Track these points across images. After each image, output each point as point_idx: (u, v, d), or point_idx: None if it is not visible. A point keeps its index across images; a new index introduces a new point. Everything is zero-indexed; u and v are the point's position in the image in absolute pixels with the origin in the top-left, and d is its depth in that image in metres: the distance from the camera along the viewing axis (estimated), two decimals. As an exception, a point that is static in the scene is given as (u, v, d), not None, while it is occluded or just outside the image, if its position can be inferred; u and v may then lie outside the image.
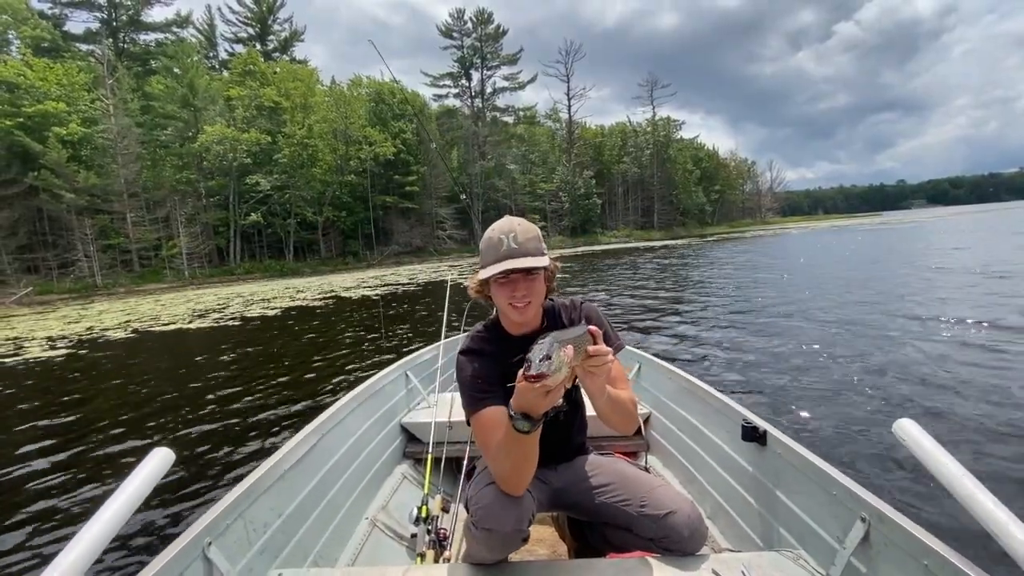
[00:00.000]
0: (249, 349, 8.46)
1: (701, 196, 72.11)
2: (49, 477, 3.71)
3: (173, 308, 16.28)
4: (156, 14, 39.81)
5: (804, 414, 3.86)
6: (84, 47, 35.92)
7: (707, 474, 2.02)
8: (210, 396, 5.57)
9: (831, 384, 4.49)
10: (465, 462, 2.09)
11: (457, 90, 56.45)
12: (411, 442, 2.60)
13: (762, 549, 1.55)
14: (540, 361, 0.98)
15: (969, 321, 6.33)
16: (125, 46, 37.61)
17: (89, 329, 12.46)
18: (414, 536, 1.75)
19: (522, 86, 57.91)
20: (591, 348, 1.09)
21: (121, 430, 4.64)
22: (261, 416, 4.73)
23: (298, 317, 12.18)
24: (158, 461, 1.09)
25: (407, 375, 2.85)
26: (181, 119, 31.19)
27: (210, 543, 1.22)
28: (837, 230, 47.28)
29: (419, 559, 1.65)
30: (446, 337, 3.08)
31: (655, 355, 2.78)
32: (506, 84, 57.41)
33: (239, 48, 46.00)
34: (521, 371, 1.00)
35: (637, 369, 2.78)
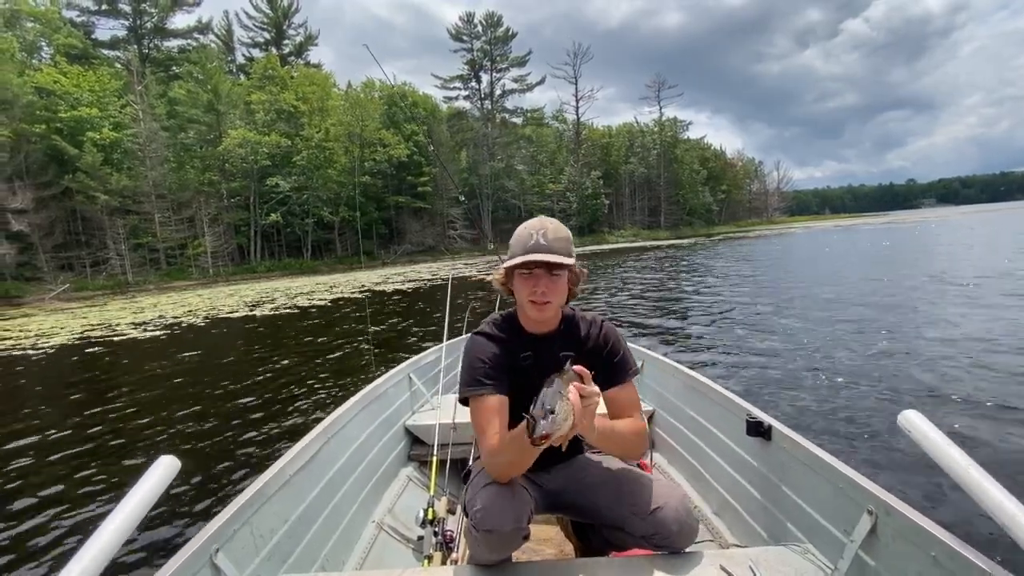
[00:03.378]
0: (332, 327, 9.83)
1: (708, 196, 72.78)
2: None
3: (221, 301, 17.53)
4: (179, 20, 41.04)
5: (809, 407, 3.98)
6: (110, 53, 37.43)
7: (712, 470, 2.02)
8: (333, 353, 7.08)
9: (833, 377, 4.65)
10: (471, 463, 2.13)
11: (467, 92, 57.67)
12: (416, 444, 2.62)
13: (769, 544, 1.54)
14: (544, 420, 1.00)
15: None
16: (149, 52, 38.99)
17: (161, 316, 13.74)
18: (421, 539, 1.76)
19: (530, 88, 59.04)
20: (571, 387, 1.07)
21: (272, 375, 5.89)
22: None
23: (349, 306, 13.42)
24: (164, 469, 1.09)
25: (410, 377, 2.85)
26: (205, 123, 32.44)
27: (217, 550, 1.22)
28: (841, 230, 47.95)
29: (426, 561, 1.65)
30: (448, 339, 3.10)
31: (658, 351, 2.81)
32: (515, 86, 58.56)
33: (256, 52, 47.44)
34: (526, 428, 1.04)
35: (640, 366, 2.77)
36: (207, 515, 2.87)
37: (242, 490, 1.41)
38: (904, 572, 1.13)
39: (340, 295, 16.57)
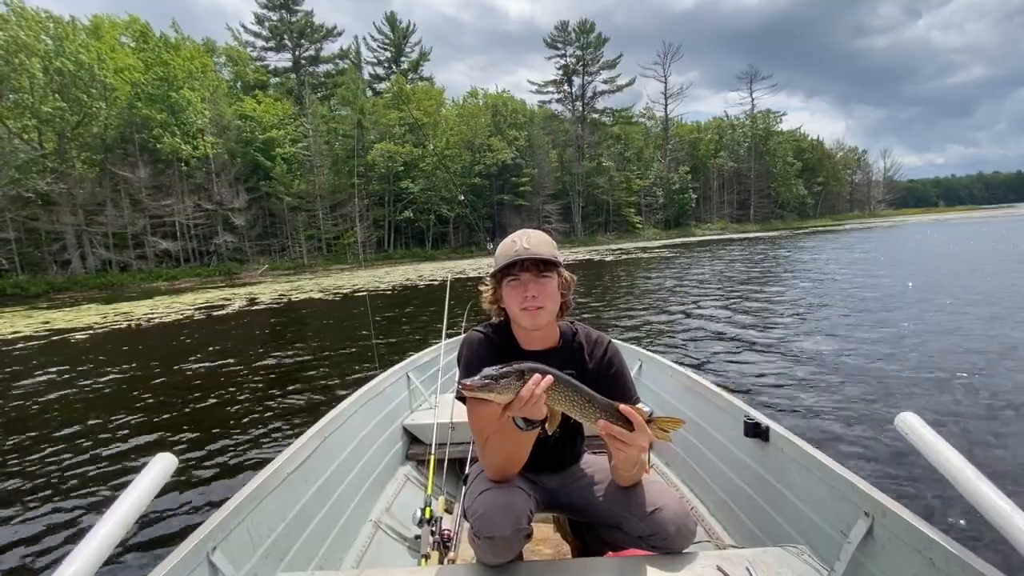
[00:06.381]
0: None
1: (801, 188, 71.28)
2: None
3: (385, 277, 23.72)
4: (326, 49, 49.36)
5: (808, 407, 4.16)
6: (275, 80, 46.45)
7: (710, 471, 2.05)
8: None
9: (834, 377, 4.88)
10: (468, 463, 2.09)
11: (560, 95, 61.91)
12: (413, 444, 2.66)
13: (766, 545, 1.53)
14: (484, 377, 1.06)
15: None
16: (304, 78, 47.65)
17: (344, 287, 19.83)
18: (418, 538, 1.81)
19: (620, 88, 62.02)
20: (602, 425, 1.13)
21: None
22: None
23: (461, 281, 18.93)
24: (161, 467, 1.09)
25: (408, 377, 2.89)
26: (353, 137, 39.84)
27: (214, 548, 1.22)
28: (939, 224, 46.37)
29: (423, 560, 1.67)
30: (447, 338, 3.15)
31: (656, 352, 2.86)
32: (605, 87, 61.84)
33: (379, 70, 55.26)
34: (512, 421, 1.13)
35: (638, 367, 2.83)
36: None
37: (242, 487, 1.41)
38: (900, 574, 1.14)
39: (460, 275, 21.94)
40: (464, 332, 1.56)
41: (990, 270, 12.48)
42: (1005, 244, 20.51)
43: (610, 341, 1.47)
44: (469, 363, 1.35)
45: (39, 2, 35.69)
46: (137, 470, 1.10)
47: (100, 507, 3.36)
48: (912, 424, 1.15)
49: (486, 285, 1.43)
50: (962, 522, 2.41)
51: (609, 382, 1.38)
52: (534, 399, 1.07)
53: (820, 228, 55.88)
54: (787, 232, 50.65)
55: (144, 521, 2.97)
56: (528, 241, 1.32)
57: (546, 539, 2.01)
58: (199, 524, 1.26)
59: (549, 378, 1.08)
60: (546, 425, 1.17)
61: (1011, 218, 49.96)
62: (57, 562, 0.90)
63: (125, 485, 1.05)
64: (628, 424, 1.15)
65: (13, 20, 24.62)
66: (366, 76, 56.38)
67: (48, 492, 3.61)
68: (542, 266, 1.31)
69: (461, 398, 1.27)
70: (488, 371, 1.07)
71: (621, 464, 1.27)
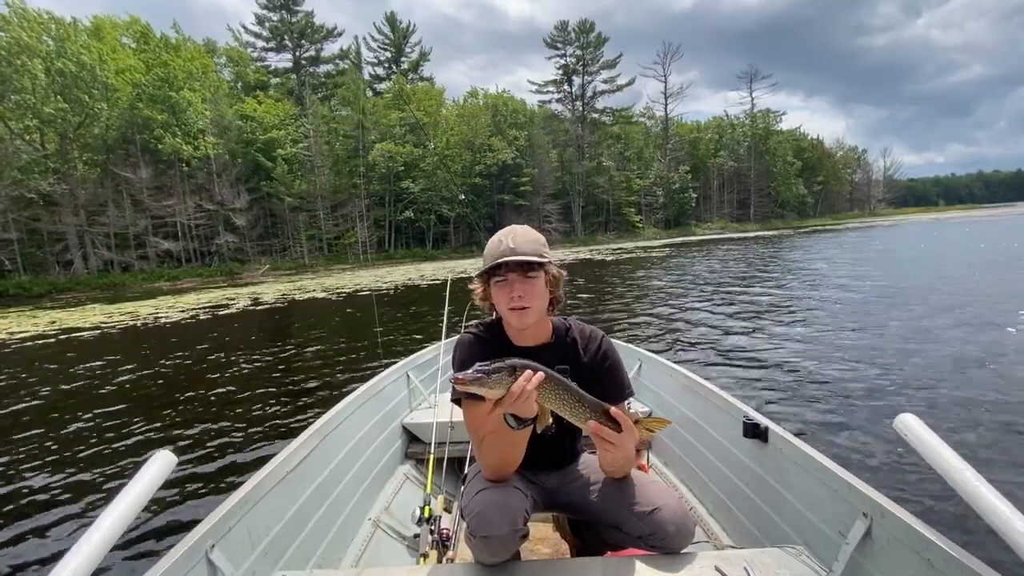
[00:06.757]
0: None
1: (801, 188, 71.36)
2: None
3: (387, 277, 23.78)
4: (327, 49, 49.43)
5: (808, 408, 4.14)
6: (275, 80, 46.51)
7: (709, 471, 2.05)
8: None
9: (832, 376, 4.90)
10: (467, 462, 2.10)
11: (560, 95, 61.95)
12: (413, 443, 2.67)
13: (765, 545, 1.55)
14: (476, 371, 1.05)
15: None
16: (305, 79, 47.70)
17: (347, 286, 19.93)
18: (417, 536, 1.81)
19: (620, 88, 62.08)
20: (592, 426, 1.15)
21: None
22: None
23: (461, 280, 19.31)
24: (160, 465, 1.09)
25: (408, 376, 2.89)
26: (354, 137, 39.92)
27: (213, 546, 1.22)
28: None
29: (422, 559, 1.68)
30: (447, 337, 3.15)
31: (656, 352, 2.88)
32: (605, 87, 61.89)
33: (379, 70, 55.35)
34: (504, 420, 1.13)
35: (638, 367, 2.84)
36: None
37: (241, 485, 1.41)
38: (898, 575, 1.13)
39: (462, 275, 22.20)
40: (463, 332, 1.59)
41: (989, 269, 12.57)
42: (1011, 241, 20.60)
43: (604, 335, 1.47)
44: (463, 364, 1.34)
45: (40, 3, 35.82)
46: (140, 465, 1.11)
47: (101, 502, 3.40)
48: (911, 425, 1.15)
49: (475, 285, 1.44)
50: (961, 523, 2.42)
51: (604, 376, 1.39)
52: (525, 395, 1.07)
53: (820, 227, 56.06)
54: (787, 231, 50.84)
55: (143, 519, 2.98)
56: (514, 240, 1.30)
57: (545, 538, 2.01)
58: (198, 522, 1.26)
59: (540, 374, 1.09)
60: (536, 423, 1.16)
61: (1011, 217, 50.10)
62: (56, 557, 0.89)
63: (126, 481, 1.05)
64: (617, 426, 1.17)
65: (15, 21, 24.71)
66: (366, 76, 56.44)
67: (51, 486, 3.68)
68: (527, 266, 1.30)
69: (456, 400, 1.27)
70: (480, 366, 1.07)
71: (607, 462, 1.32)
